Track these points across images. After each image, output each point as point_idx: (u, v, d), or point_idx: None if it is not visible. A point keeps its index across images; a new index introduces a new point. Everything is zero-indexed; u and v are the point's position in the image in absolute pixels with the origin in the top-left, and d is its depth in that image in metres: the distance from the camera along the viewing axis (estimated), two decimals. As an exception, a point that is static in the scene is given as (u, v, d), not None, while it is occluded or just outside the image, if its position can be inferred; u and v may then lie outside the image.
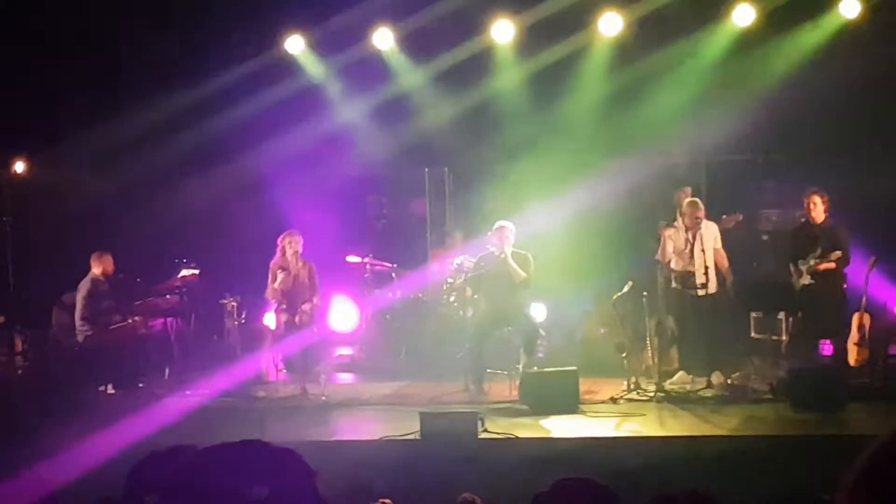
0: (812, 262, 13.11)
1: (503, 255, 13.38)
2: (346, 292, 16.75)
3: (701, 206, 13.48)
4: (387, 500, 6.16)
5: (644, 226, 15.16)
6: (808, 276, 13.15)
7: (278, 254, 14.18)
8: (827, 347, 13.55)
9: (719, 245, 13.53)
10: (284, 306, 14.12)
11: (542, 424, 11.66)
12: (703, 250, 13.24)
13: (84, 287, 14.22)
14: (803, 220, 13.70)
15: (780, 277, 13.70)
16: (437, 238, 17.78)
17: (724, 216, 13.97)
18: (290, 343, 14.14)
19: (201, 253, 15.76)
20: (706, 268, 13.15)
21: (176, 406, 13.57)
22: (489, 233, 13.83)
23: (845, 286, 13.25)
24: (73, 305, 14.31)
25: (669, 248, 13.61)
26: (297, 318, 14.08)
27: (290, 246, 14.10)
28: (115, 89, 15.78)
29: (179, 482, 2.83)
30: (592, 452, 10.38)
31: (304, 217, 15.28)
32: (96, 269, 14.34)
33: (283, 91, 16.39)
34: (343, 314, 16.58)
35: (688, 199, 13.72)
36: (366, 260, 16.40)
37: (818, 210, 13.29)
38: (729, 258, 13.60)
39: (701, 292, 13.26)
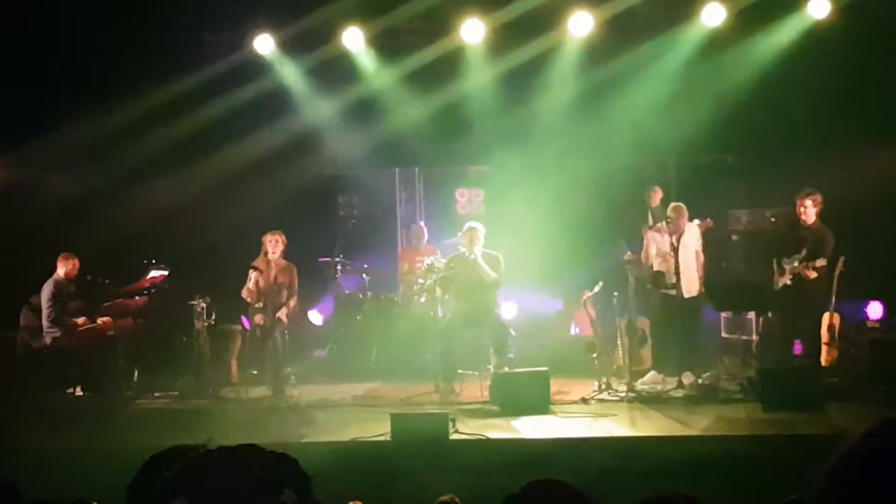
0: (796, 264, 13.08)
1: (473, 256, 13.36)
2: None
3: (685, 210, 13.54)
4: (358, 503, 6.13)
5: (614, 226, 15.18)
6: (790, 277, 13.13)
7: (262, 252, 14.13)
8: (797, 347, 13.59)
9: (700, 248, 13.56)
10: (259, 306, 14.06)
11: (513, 425, 11.67)
12: (684, 251, 13.31)
13: (47, 288, 14.14)
14: (791, 218, 13.66)
15: (750, 277, 13.72)
16: (408, 238, 17.78)
17: (695, 221, 14.01)
18: (261, 344, 14.11)
19: (170, 254, 15.68)
20: (686, 269, 13.23)
21: (144, 408, 13.59)
22: (459, 234, 13.81)
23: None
24: (40, 307, 14.23)
25: (653, 250, 13.65)
26: (271, 321, 14.01)
27: (271, 244, 14.05)
28: (83, 90, 15.66)
29: (188, 485, 2.79)
30: (563, 453, 10.40)
31: (274, 218, 15.22)
32: (60, 271, 14.25)
33: (253, 91, 16.31)
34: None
35: (673, 205, 13.77)
36: (337, 260, 16.34)
37: (809, 213, 13.23)
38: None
39: (674, 292, 13.31)
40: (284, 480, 2.79)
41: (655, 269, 13.55)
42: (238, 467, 2.82)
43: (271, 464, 2.86)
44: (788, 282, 13.16)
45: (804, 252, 13.03)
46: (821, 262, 12.85)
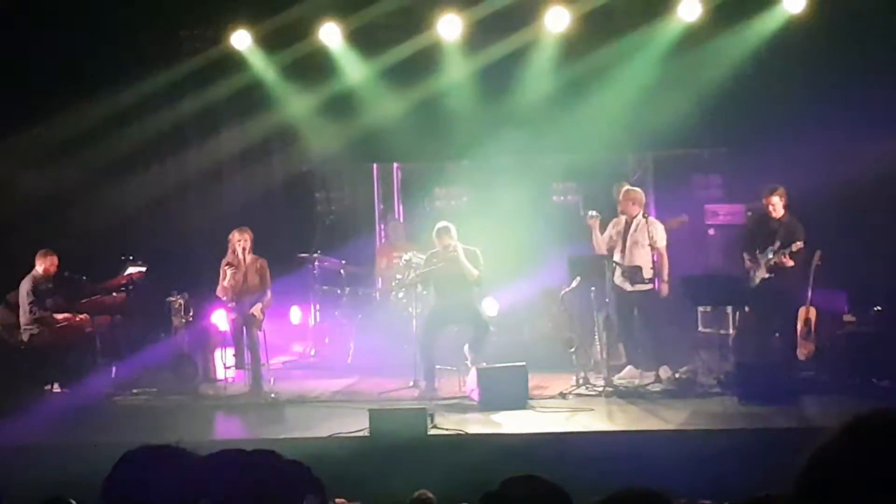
0: (770, 256, 13.16)
1: (454, 253, 13.35)
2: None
3: (633, 196, 13.55)
4: (341, 500, 6.14)
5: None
6: (766, 271, 13.20)
7: (229, 251, 14.06)
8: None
9: (661, 245, 13.52)
10: (234, 304, 14.01)
11: (492, 420, 11.69)
12: (634, 246, 13.30)
13: (25, 285, 14.11)
14: (761, 212, 13.76)
15: (727, 272, 13.76)
16: (386, 234, 17.79)
17: (670, 219, 14.03)
18: (238, 341, 14.08)
19: (148, 250, 15.64)
20: (633, 264, 13.23)
21: (123, 405, 13.57)
22: (433, 234, 13.72)
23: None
24: (18, 304, 14.19)
25: (599, 237, 13.63)
26: (246, 317, 13.95)
27: (238, 242, 13.97)
28: (59, 85, 15.58)
29: (192, 488, 2.79)
30: (541, 447, 10.43)
31: (251, 213, 15.20)
32: (39, 268, 14.23)
33: (230, 87, 16.27)
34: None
35: (625, 188, 13.80)
36: (314, 256, 16.31)
37: (778, 209, 13.35)
38: (671, 255, 13.64)
39: (629, 287, 13.34)
40: (305, 485, 2.79)
41: (616, 260, 13.56)
42: (255, 472, 2.81)
43: (287, 469, 2.85)
44: (766, 275, 13.23)
45: (777, 244, 13.13)
46: (797, 245, 12.95)
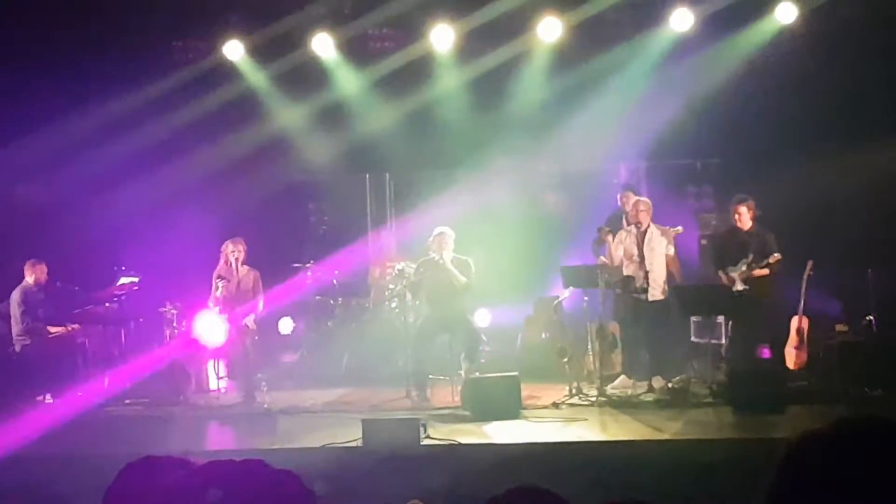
0: (744, 268, 13.18)
1: (442, 261, 13.37)
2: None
3: (644, 206, 13.54)
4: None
5: (584, 231, 15.19)
6: (742, 283, 13.21)
7: (221, 261, 14.07)
8: (765, 351, 13.63)
9: (672, 251, 13.56)
10: (226, 315, 14.00)
11: (485, 430, 11.66)
12: (651, 254, 13.28)
13: (16, 296, 14.09)
14: (728, 225, 13.81)
15: (718, 281, 13.76)
16: (378, 244, 17.77)
17: (668, 227, 14.04)
18: (231, 351, 14.06)
19: (140, 261, 15.62)
20: (651, 273, 13.21)
21: (115, 415, 13.53)
22: (430, 239, 13.79)
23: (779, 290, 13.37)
24: (9, 315, 14.17)
25: (619, 251, 13.63)
26: (238, 327, 13.94)
27: (232, 253, 13.98)
28: (50, 96, 15.56)
29: (183, 494, 2.78)
30: (534, 457, 10.40)
31: (244, 224, 15.19)
32: (29, 278, 14.22)
33: (223, 97, 16.28)
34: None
35: (633, 199, 13.80)
36: (308, 266, 16.31)
37: (744, 219, 13.41)
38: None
39: (643, 296, 13.30)
40: (296, 496, 2.78)
41: (624, 272, 13.55)
42: (244, 482, 2.80)
43: (278, 479, 2.85)
44: (742, 287, 13.23)
45: (751, 256, 13.16)
46: (775, 258, 13.00)
